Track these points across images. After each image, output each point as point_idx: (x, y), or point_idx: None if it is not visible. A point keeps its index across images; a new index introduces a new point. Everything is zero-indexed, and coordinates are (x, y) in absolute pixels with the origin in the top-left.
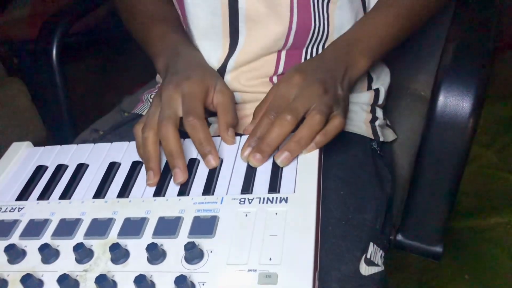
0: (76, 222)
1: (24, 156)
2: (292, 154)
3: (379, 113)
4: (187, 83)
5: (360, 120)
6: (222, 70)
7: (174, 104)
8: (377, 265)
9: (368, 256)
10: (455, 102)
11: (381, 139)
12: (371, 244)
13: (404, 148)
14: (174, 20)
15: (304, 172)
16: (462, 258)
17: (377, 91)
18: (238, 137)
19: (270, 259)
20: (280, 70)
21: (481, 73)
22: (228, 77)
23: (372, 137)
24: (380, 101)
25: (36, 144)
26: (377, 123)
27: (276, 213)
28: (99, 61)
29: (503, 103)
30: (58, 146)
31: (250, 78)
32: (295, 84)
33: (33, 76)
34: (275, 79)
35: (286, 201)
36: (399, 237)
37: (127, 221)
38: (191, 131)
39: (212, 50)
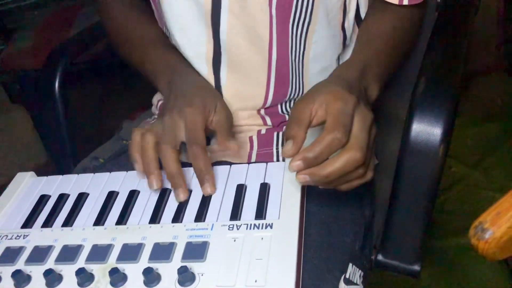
0: (78, 248)
1: (28, 186)
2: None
3: None
4: (190, 110)
5: None
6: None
7: (176, 130)
8: (356, 284)
9: (347, 276)
10: (427, 130)
11: None
12: (350, 264)
13: (385, 172)
14: (165, 40)
15: (288, 199)
16: (451, 275)
17: None
18: (228, 166)
19: (256, 281)
20: (269, 103)
21: (450, 103)
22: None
23: None
24: None
25: (38, 169)
26: None
27: (262, 238)
28: (98, 87)
29: (489, 124)
30: (60, 176)
31: (240, 109)
32: (354, 106)
33: (35, 104)
34: (262, 111)
35: (271, 227)
36: (380, 257)
37: (125, 246)
38: (194, 160)
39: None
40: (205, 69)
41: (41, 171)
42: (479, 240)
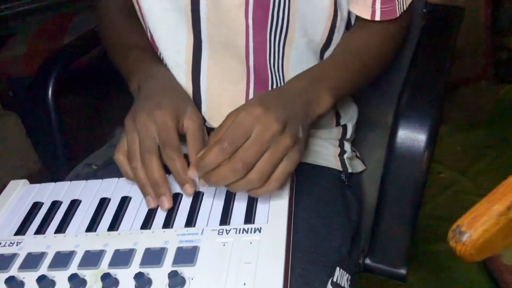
0: (70, 254)
1: (21, 193)
2: (236, 190)
3: (347, 146)
4: (159, 112)
5: (329, 154)
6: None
7: (150, 134)
8: (343, 287)
9: (335, 280)
10: (411, 137)
11: (350, 170)
12: (338, 268)
13: (373, 178)
14: (149, 47)
15: (276, 203)
16: (439, 279)
17: (344, 127)
18: None
19: (244, 284)
20: None
21: (434, 111)
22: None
23: (341, 169)
24: (348, 135)
25: (30, 175)
26: (345, 156)
27: (251, 242)
28: (91, 94)
29: (477, 131)
30: (53, 183)
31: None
32: (255, 117)
33: (28, 111)
34: None
35: (259, 231)
36: (367, 261)
37: (117, 252)
38: (169, 163)
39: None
40: (183, 76)
41: (34, 177)
42: (457, 243)
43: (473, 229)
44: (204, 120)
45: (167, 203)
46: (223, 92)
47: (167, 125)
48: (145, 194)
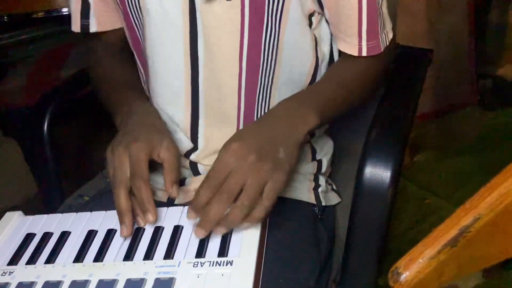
0: (58, 284)
1: (16, 225)
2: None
3: (322, 180)
4: (134, 146)
5: (303, 188)
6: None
7: (124, 167)
8: None
9: None
10: (377, 174)
11: (323, 203)
12: None
13: (347, 209)
14: (133, 83)
15: (248, 238)
16: None
17: (320, 162)
18: None
19: None
20: None
21: (397, 151)
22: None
23: (314, 202)
24: (323, 170)
25: (28, 200)
26: (320, 189)
27: (222, 275)
28: (83, 122)
29: (462, 158)
30: (46, 215)
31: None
32: (232, 152)
33: (25, 142)
34: None
35: (231, 264)
36: None
37: (101, 282)
38: (136, 192)
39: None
40: (182, 115)
41: (32, 202)
42: (395, 283)
43: (408, 271)
44: (194, 149)
45: (126, 232)
46: (216, 133)
47: (139, 158)
48: (121, 222)
